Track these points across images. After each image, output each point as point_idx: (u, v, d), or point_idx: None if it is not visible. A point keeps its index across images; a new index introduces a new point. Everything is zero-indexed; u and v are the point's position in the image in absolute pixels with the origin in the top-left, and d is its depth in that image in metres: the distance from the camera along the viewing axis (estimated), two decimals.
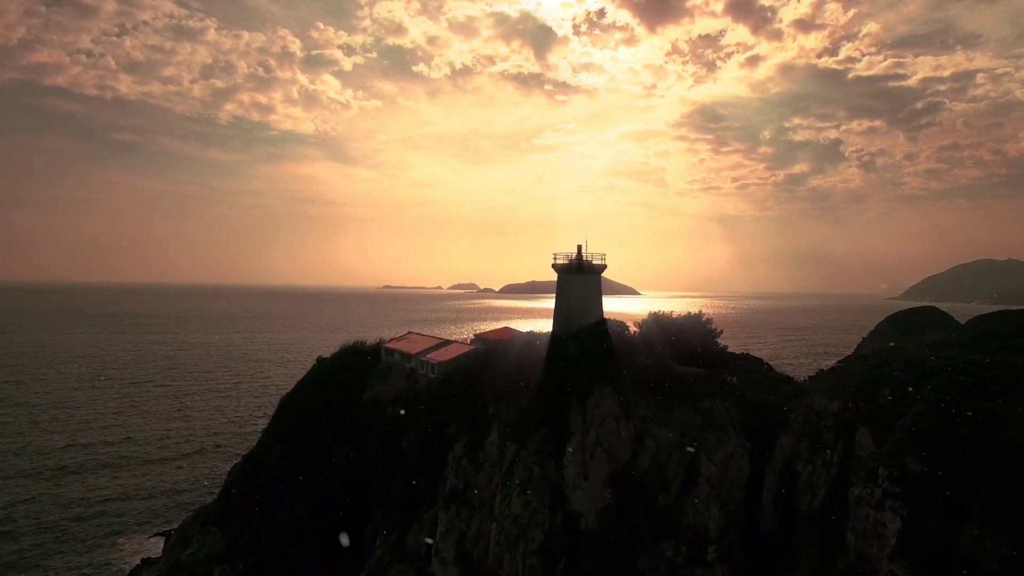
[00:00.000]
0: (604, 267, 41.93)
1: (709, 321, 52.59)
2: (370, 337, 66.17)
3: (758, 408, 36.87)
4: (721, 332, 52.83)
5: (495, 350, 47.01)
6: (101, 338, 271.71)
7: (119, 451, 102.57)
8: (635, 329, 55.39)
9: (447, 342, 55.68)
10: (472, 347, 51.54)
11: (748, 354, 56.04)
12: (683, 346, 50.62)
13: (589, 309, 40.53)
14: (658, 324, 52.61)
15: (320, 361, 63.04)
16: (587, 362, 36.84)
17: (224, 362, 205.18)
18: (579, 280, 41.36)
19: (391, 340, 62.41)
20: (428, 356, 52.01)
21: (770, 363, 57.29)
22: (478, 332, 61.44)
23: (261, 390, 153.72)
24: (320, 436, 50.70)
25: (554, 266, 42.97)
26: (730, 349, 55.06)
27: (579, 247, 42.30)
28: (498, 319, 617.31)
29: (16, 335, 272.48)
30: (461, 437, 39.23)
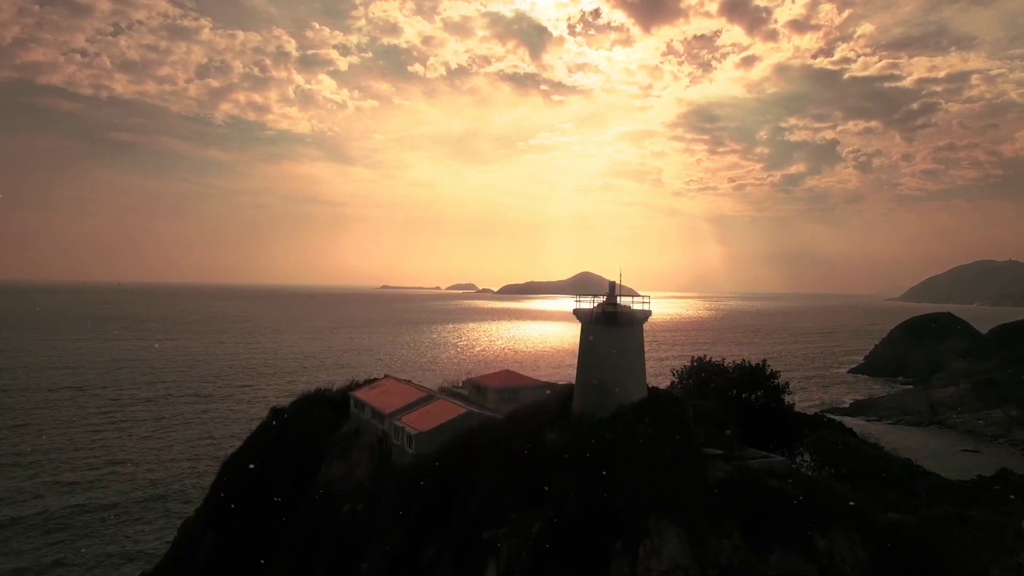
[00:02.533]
0: (648, 314, 29.50)
1: (775, 375, 40.01)
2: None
3: (892, 538, 24.20)
4: (788, 388, 40.35)
5: (493, 422, 34.33)
6: (89, 342, 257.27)
7: (77, 497, 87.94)
8: (673, 379, 43.06)
9: (430, 396, 42.94)
10: (462, 409, 38.86)
11: (823, 416, 43.34)
12: (738, 404, 38.20)
13: (628, 378, 27.98)
14: (707, 377, 40.23)
15: (274, 413, 50.20)
16: (633, 472, 24.34)
17: (212, 371, 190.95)
18: (613, 336, 28.71)
19: (363, 388, 49.64)
20: (405, 419, 39.31)
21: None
22: (470, 377, 48.73)
23: (245, 409, 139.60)
24: (261, 528, 38.26)
25: (576, 312, 30.37)
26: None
27: (612, 285, 29.86)
28: (496, 320, 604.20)
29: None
30: (443, 568, 26.76)
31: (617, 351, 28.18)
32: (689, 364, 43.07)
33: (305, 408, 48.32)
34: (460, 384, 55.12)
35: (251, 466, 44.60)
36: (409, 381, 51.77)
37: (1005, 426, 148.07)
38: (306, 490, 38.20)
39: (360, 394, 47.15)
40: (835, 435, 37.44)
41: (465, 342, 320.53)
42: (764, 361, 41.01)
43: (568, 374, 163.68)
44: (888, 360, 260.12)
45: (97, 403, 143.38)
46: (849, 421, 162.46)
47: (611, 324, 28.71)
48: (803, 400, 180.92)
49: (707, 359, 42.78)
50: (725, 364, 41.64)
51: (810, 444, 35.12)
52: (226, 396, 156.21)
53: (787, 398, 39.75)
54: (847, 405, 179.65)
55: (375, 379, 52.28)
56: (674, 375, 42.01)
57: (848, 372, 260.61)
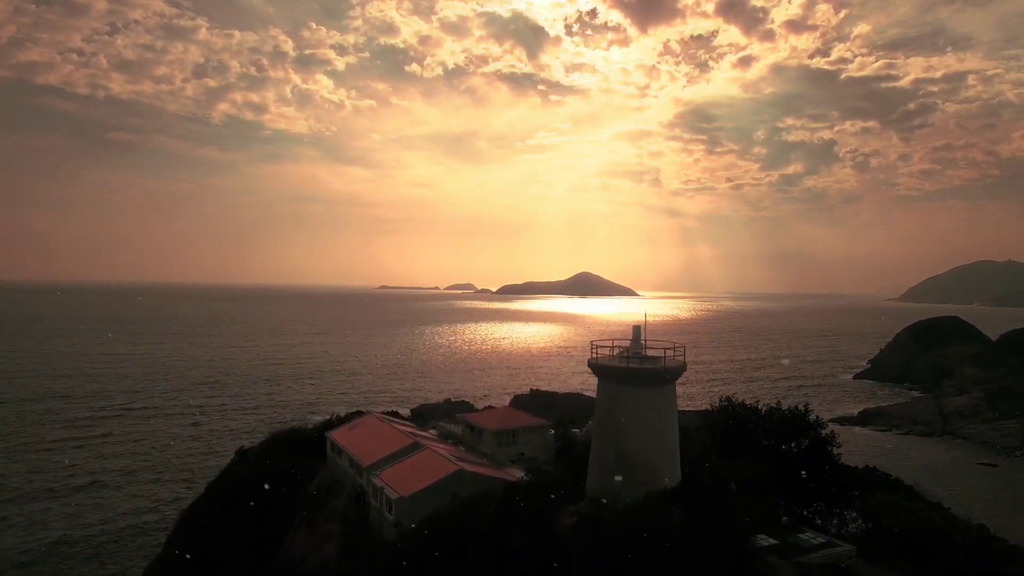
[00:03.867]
0: (682, 368, 23.53)
1: (820, 423, 34.04)
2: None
3: None
4: (837, 440, 34.34)
5: (488, 488, 28.46)
6: (80, 347, 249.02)
7: (53, 527, 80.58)
8: (697, 422, 37.18)
9: (415, 445, 36.88)
10: (451, 466, 32.91)
11: (874, 469, 37.41)
12: (776, 457, 32.36)
13: (658, 454, 21.93)
14: (739, 422, 34.33)
15: (240, 455, 44.18)
16: None
17: (203, 377, 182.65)
18: (639, 399, 22.64)
19: (341, 427, 43.56)
20: (385, 476, 33.37)
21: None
22: (465, 414, 42.75)
23: (236, 422, 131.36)
24: None
25: (592, 365, 24.35)
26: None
27: (636, 329, 23.88)
28: (494, 321, 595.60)
29: None
30: None
31: (645, 418, 22.11)
32: (717, 405, 37.16)
33: (275, 451, 42.22)
34: (453, 412, 49.28)
35: (209, 521, 38.69)
36: (394, 416, 45.78)
37: (1022, 437, 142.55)
38: (268, 562, 32.30)
39: (337, 436, 41.13)
40: (896, 498, 31.67)
41: (462, 347, 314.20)
42: (807, 406, 35.11)
43: (569, 383, 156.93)
44: (894, 365, 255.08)
45: (83, 415, 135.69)
46: (858, 431, 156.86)
47: (637, 383, 22.57)
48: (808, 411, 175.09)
49: (737, 399, 36.86)
50: (759, 406, 35.66)
51: (865, 509, 29.39)
52: (217, 407, 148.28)
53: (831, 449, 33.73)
54: (855, 414, 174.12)
55: (356, 413, 46.15)
56: (702, 420, 35.94)
57: (853, 378, 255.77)
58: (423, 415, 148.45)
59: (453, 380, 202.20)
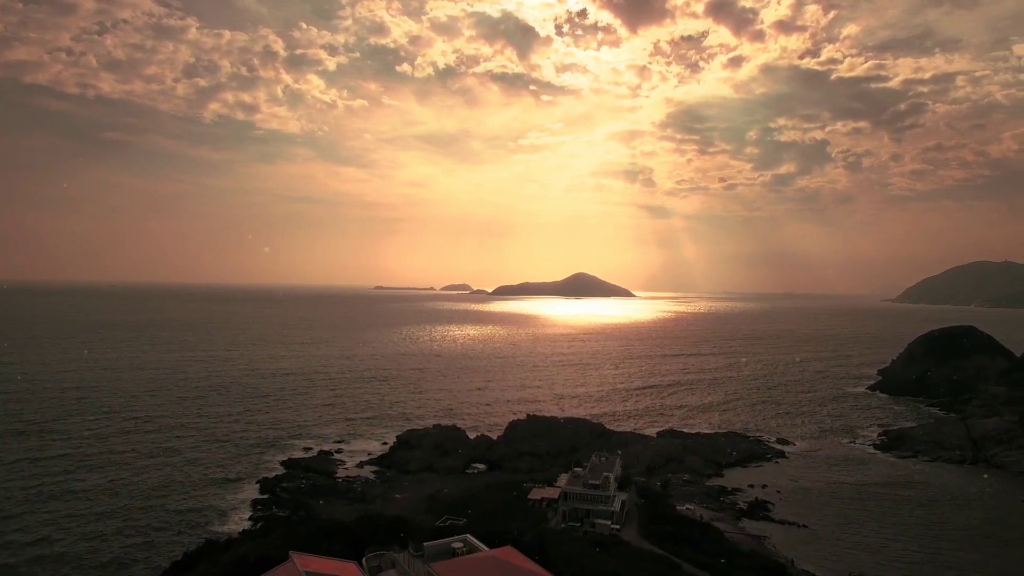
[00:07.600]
0: None
1: None
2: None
3: None
4: None
5: None
6: (66, 354, 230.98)
7: None
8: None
9: None
10: None
11: None
12: None
13: None
14: None
15: None
16: None
17: (180, 395, 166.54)
18: None
19: None
20: None
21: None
22: (434, 565, 28.44)
23: (210, 463, 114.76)
24: None
25: None
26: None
27: None
28: (488, 324, 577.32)
29: None
30: None
31: None
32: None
33: None
34: (441, 441, 34.78)
35: None
36: (334, 557, 31.12)
37: None
38: None
39: None
40: None
41: (456, 357, 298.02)
42: None
43: (568, 406, 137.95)
44: (908, 378, 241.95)
45: (46, 443, 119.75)
46: (882, 457, 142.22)
47: None
48: (824, 434, 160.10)
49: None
50: None
51: None
52: (192, 441, 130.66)
53: None
54: (877, 436, 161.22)
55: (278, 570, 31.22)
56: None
57: (867, 389, 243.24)
58: (409, 443, 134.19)
59: (444, 398, 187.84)
